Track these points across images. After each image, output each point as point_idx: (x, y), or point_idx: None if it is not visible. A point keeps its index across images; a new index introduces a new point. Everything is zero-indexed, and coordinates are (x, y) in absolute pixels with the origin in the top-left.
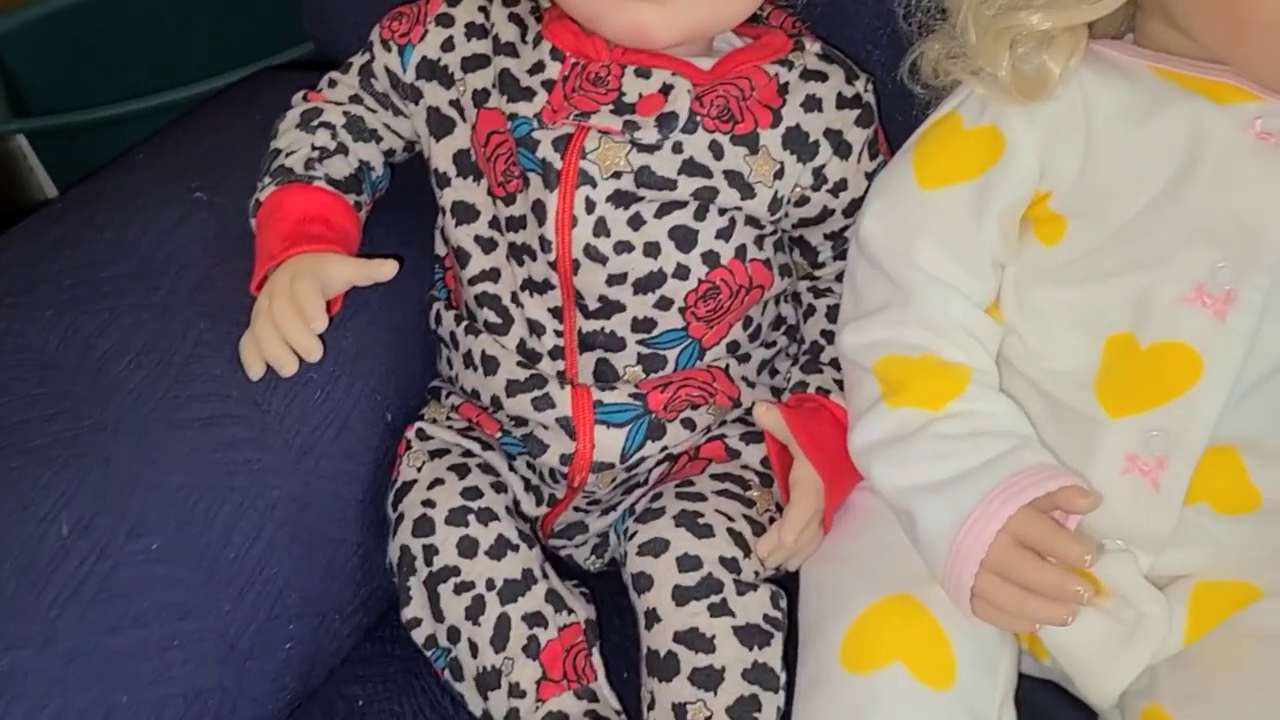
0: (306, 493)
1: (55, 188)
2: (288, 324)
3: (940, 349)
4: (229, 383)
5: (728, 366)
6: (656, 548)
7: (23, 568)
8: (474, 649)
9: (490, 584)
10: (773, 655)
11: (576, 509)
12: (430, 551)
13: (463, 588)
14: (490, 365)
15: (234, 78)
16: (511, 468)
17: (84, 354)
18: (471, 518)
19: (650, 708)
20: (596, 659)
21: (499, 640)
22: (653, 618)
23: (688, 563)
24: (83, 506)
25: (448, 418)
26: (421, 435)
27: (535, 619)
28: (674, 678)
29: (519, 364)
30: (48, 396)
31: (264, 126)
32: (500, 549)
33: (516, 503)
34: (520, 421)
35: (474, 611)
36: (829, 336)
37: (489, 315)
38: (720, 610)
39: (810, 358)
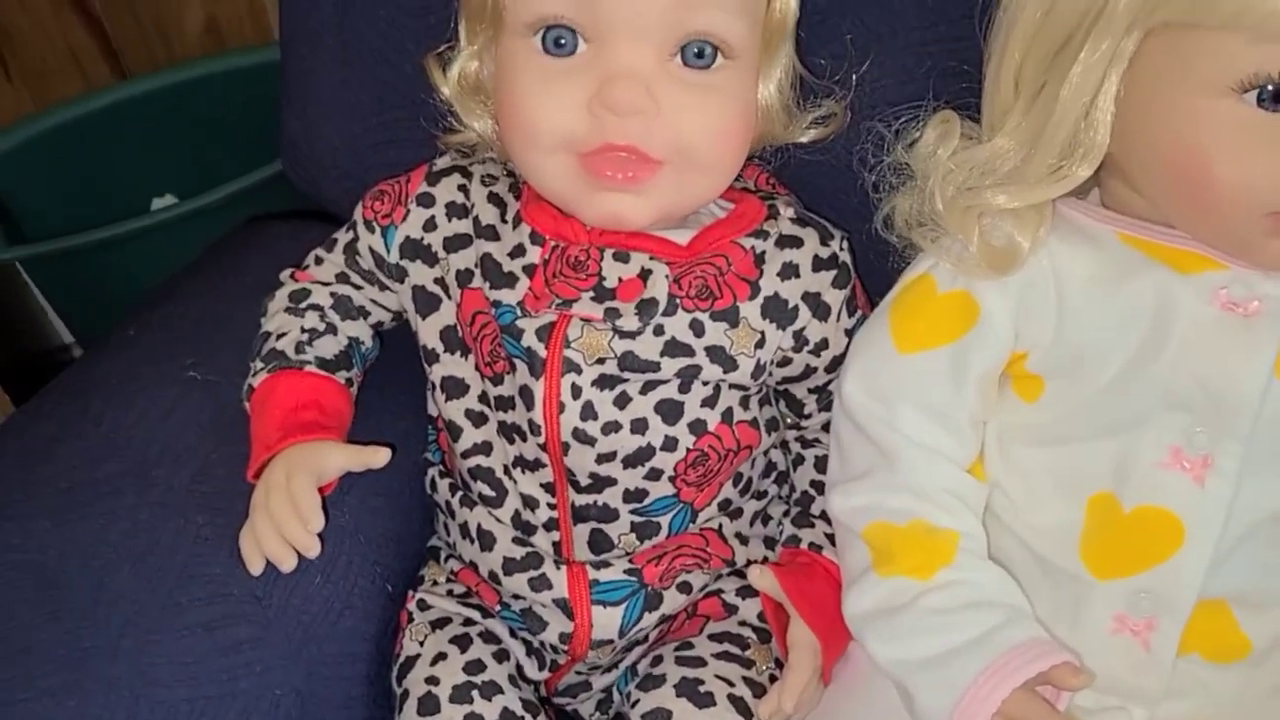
0: (310, 683)
1: (49, 303)
2: (285, 522)
3: (928, 514)
4: (229, 581)
5: (720, 526)
6: (659, 718)
7: None
8: None
9: None
10: None
11: (578, 672)
12: None
13: None
14: (487, 540)
15: (233, 188)
16: (513, 634)
17: (84, 565)
18: (476, 693)
19: None
20: None
21: None
22: None
23: None
24: None
25: (448, 580)
26: (423, 606)
27: None
28: None
29: (515, 540)
30: (50, 618)
31: (253, 291)
32: None
33: (520, 668)
34: (519, 597)
35: None
36: (818, 487)
37: (483, 488)
38: None
39: (801, 510)
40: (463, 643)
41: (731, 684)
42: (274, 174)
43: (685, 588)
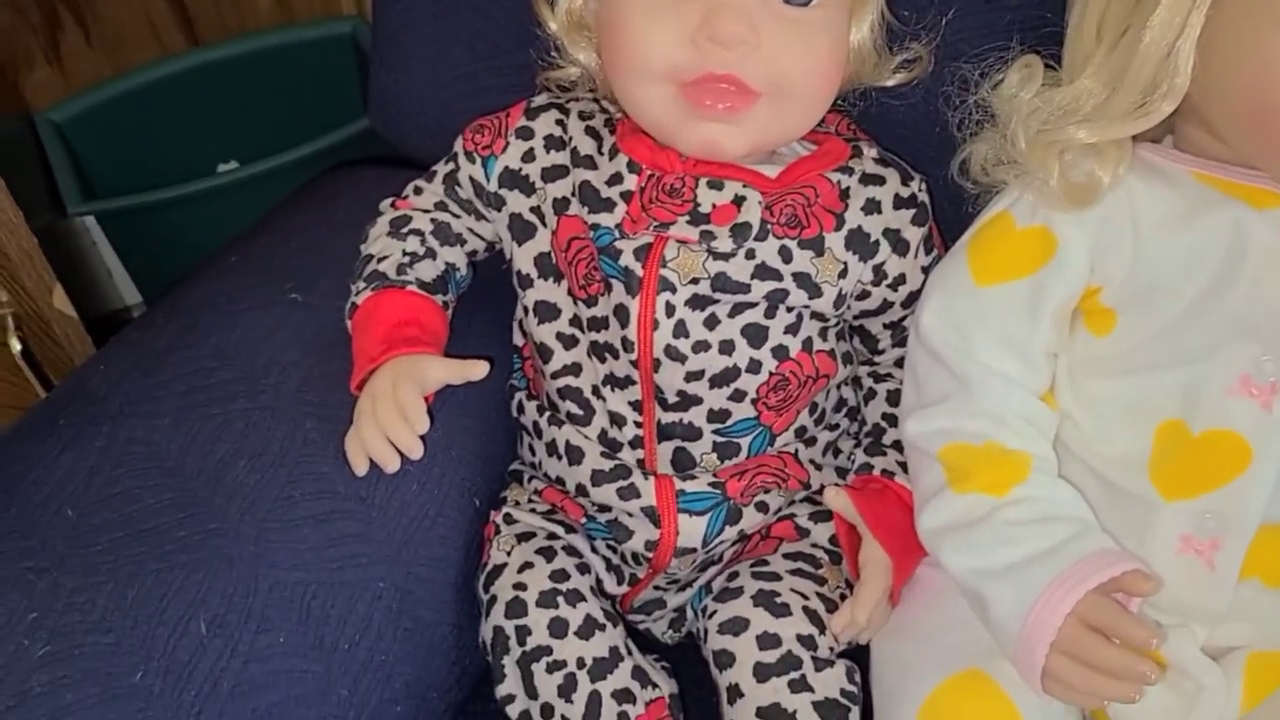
0: (407, 581)
1: (120, 263)
2: (393, 426)
3: (1002, 437)
4: (335, 480)
5: (796, 451)
6: (737, 626)
7: (165, 668)
8: None
9: (581, 663)
10: None
11: (656, 587)
12: (523, 632)
13: (555, 666)
14: (575, 455)
15: (295, 155)
16: (594, 549)
17: (204, 459)
18: (560, 599)
19: None
20: None
21: (591, 716)
22: (735, 693)
23: (767, 641)
24: (215, 607)
25: (530, 500)
26: (509, 520)
27: (624, 695)
28: None
29: (602, 454)
30: (174, 503)
31: (346, 225)
32: (588, 629)
33: (599, 582)
34: (605, 508)
35: (566, 689)
36: (890, 420)
37: (571, 407)
38: (800, 686)
39: (873, 440)
40: (548, 554)
41: (806, 597)
42: (341, 141)
43: (763, 507)
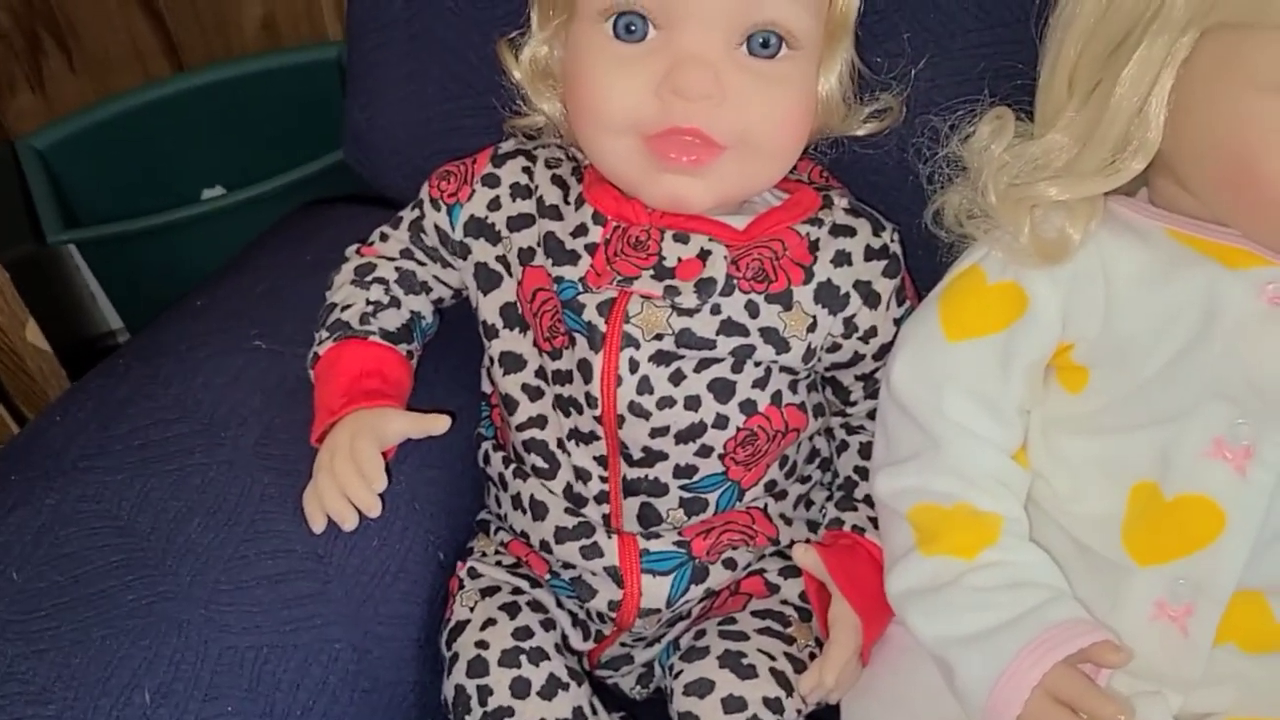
0: (366, 641)
1: (101, 288)
2: (349, 483)
3: (972, 498)
4: (293, 537)
5: (765, 506)
6: (702, 689)
7: None
8: None
9: None
10: None
11: (623, 644)
12: (485, 692)
13: None
14: (539, 510)
15: (280, 182)
16: (560, 604)
17: (156, 517)
18: (523, 658)
19: None
20: None
21: None
22: None
23: (733, 704)
24: (161, 675)
25: (497, 553)
26: (473, 574)
27: None
28: None
29: (566, 510)
30: (123, 565)
31: (315, 266)
32: (551, 689)
33: (565, 638)
34: (569, 565)
35: None
36: (862, 473)
37: (536, 460)
38: None
39: (844, 494)
40: (511, 610)
41: (773, 658)
42: (326, 167)
43: (730, 564)
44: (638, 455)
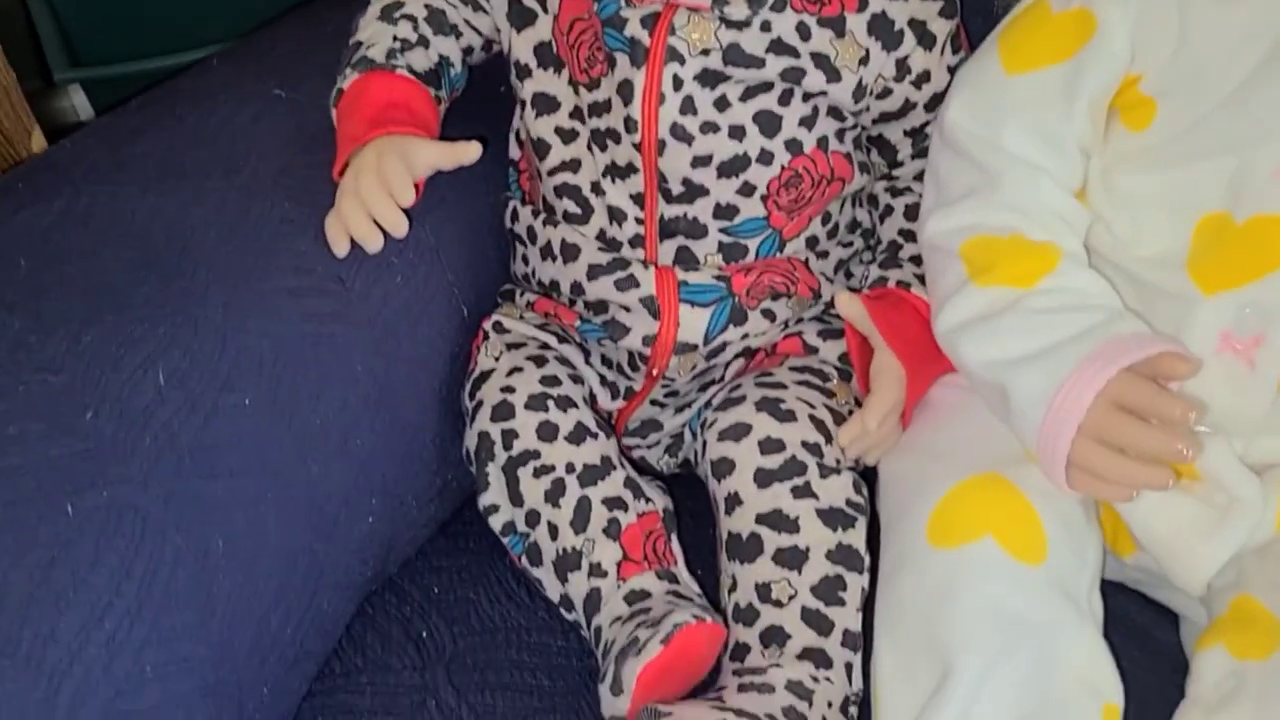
0: (388, 373)
1: None
2: (375, 200)
3: (1029, 230)
4: (314, 258)
5: (806, 260)
6: (738, 432)
7: (120, 412)
8: (553, 531)
9: (570, 468)
10: (857, 537)
11: (653, 402)
12: (510, 436)
13: (542, 471)
14: (570, 253)
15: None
16: (588, 362)
17: (171, 226)
18: (551, 403)
19: (731, 590)
20: (675, 546)
21: (579, 522)
22: (734, 502)
23: (770, 445)
24: (176, 360)
25: (522, 317)
26: (499, 328)
27: (615, 503)
28: (757, 558)
29: (600, 249)
30: (137, 264)
31: (337, 35)
32: (579, 434)
33: (593, 397)
34: (601, 308)
35: (554, 494)
36: (907, 235)
37: (568, 205)
38: (803, 492)
39: (889, 255)
40: (538, 360)
41: (813, 406)
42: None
43: (770, 315)
44: (677, 190)
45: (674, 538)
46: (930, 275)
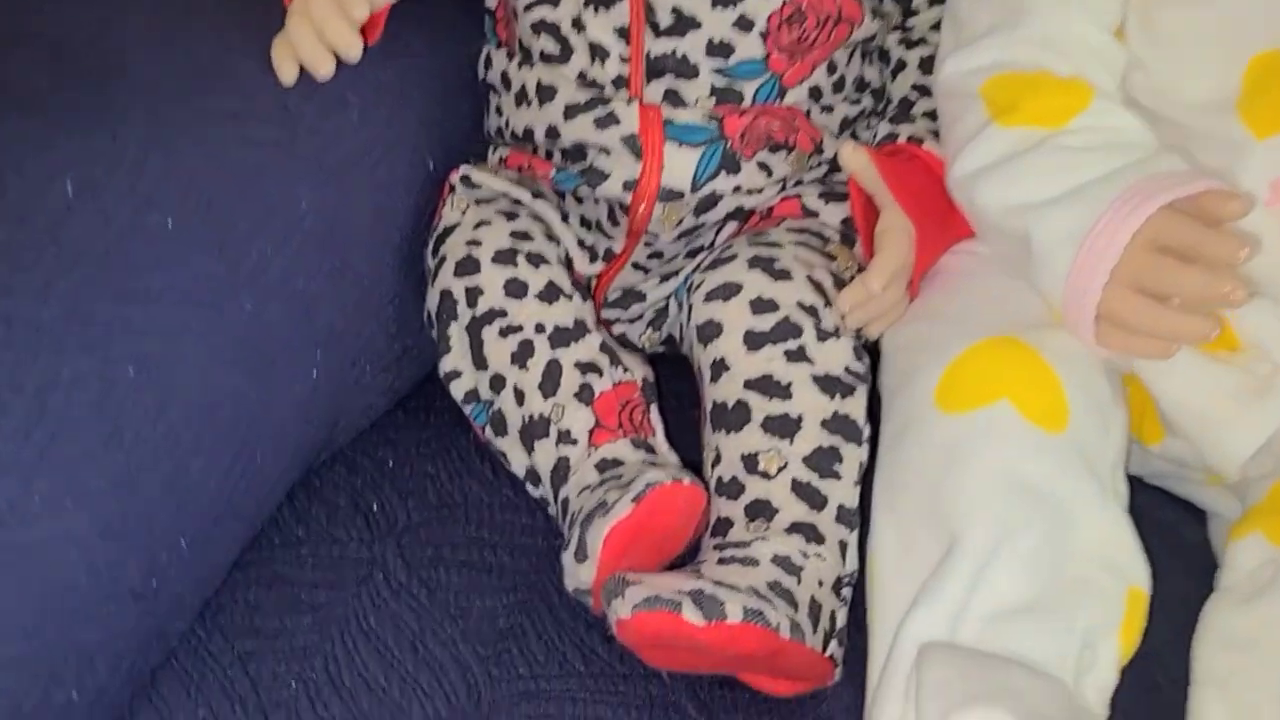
0: (338, 214)
1: None
2: (326, 19)
3: (1058, 66)
4: (257, 83)
5: (809, 112)
6: (727, 291)
7: (19, 218)
8: (519, 396)
9: (540, 328)
10: (855, 407)
11: (635, 266)
12: (474, 293)
13: (509, 331)
14: (546, 94)
15: None
16: (565, 220)
17: (94, 38)
18: (521, 259)
19: (714, 464)
20: (655, 417)
21: (548, 385)
22: (720, 367)
23: (762, 306)
24: (89, 172)
25: (495, 173)
26: (467, 182)
27: (589, 368)
28: (744, 426)
29: (579, 88)
30: (50, 68)
31: None
32: (551, 293)
33: (569, 262)
34: (578, 153)
35: (521, 355)
36: (921, 90)
37: (545, 44)
38: (797, 356)
39: (900, 110)
40: (509, 215)
41: (811, 266)
42: None
43: (766, 169)
44: (666, 21)
45: (654, 410)
46: (946, 123)
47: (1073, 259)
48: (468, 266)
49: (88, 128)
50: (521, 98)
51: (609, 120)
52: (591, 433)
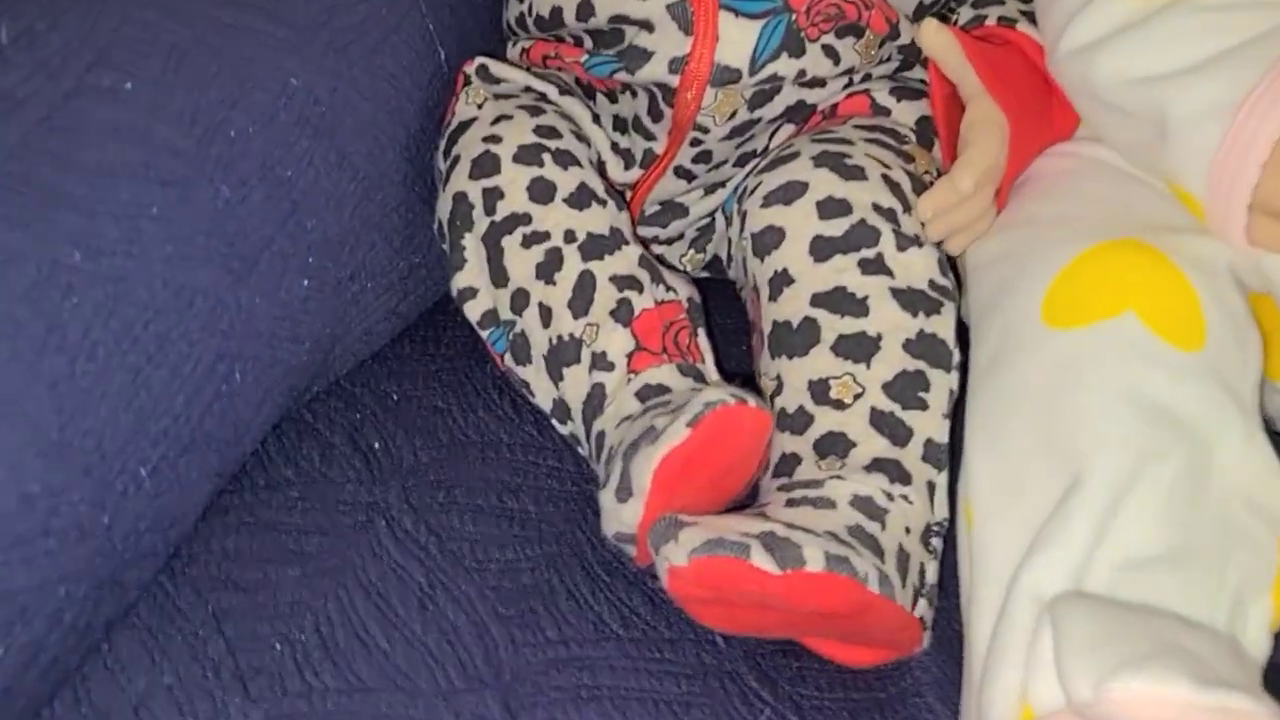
0: (334, 98)
1: None
2: None
3: None
4: None
5: None
6: (790, 193)
7: None
8: (546, 315)
9: (570, 236)
10: (943, 326)
11: (678, 172)
12: (493, 196)
13: (534, 239)
14: None
15: None
16: (596, 120)
17: None
18: (547, 157)
19: (775, 395)
20: (704, 342)
21: (580, 302)
22: (782, 281)
23: (832, 208)
24: (29, 20)
25: (516, 65)
26: (484, 74)
27: (628, 282)
28: (811, 348)
29: None
30: None
31: None
32: (583, 197)
33: (602, 166)
34: (615, 34)
35: (548, 268)
36: None
37: None
38: (874, 266)
39: None
40: (533, 110)
41: (887, 166)
42: None
43: (832, 54)
44: None
45: (702, 334)
46: None
47: (1224, 133)
48: (485, 166)
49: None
50: None
51: None
52: (631, 356)
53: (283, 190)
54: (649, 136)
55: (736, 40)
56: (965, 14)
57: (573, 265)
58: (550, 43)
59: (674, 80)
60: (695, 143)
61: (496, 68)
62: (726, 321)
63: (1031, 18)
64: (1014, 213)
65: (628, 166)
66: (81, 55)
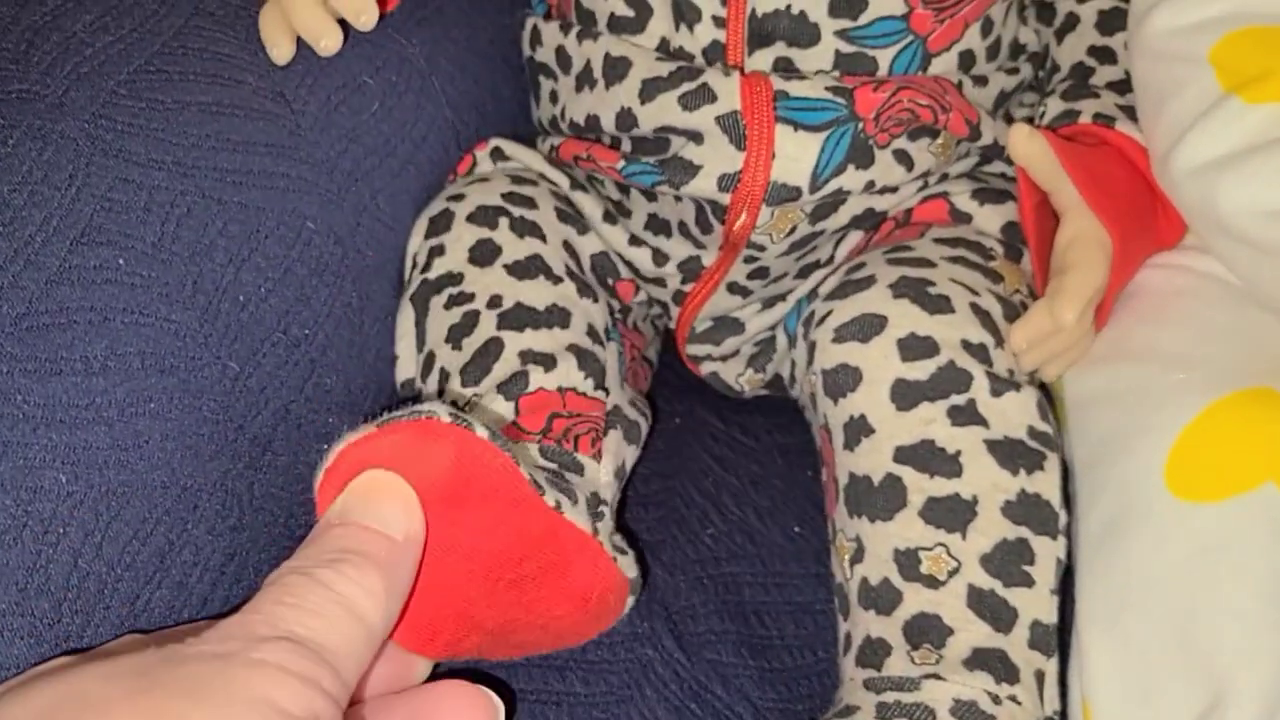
0: (355, 236)
1: None
2: None
3: None
4: (243, 66)
5: (960, 84)
6: (867, 328)
7: None
8: (442, 382)
9: (495, 301)
10: (1047, 484)
11: (731, 289)
12: (435, 253)
13: (457, 300)
14: (617, 69)
15: None
16: (612, 219)
17: (20, 10)
18: (504, 221)
19: (854, 561)
20: (612, 446)
21: (475, 370)
22: (859, 430)
23: (917, 347)
24: (4, 187)
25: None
26: (499, 154)
27: (540, 359)
28: (897, 514)
29: (659, 60)
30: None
31: None
32: (529, 268)
33: (616, 267)
34: (660, 142)
35: (459, 331)
36: (1101, 54)
37: (615, 5)
38: (967, 416)
39: (1075, 82)
40: (520, 181)
41: (975, 293)
42: None
43: (905, 160)
44: None
45: (615, 441)
46: (1154, 96)
47: None
48: (439, 224)
49: (11, 138)
50: (584, 79)
51: (701, 97)
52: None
53: (299, 352)
54: (697, 245)
55: (796, 156)
56: (1054, 106)
57: (484, 332)
58: (584, 142)
59: (725, 198)
60: (750, 259)
61: (512, 149)
62: (790, 440)
63: (1130, 113)
64: (1121, 339)
65: (659, 263)
66: (65, 233)
